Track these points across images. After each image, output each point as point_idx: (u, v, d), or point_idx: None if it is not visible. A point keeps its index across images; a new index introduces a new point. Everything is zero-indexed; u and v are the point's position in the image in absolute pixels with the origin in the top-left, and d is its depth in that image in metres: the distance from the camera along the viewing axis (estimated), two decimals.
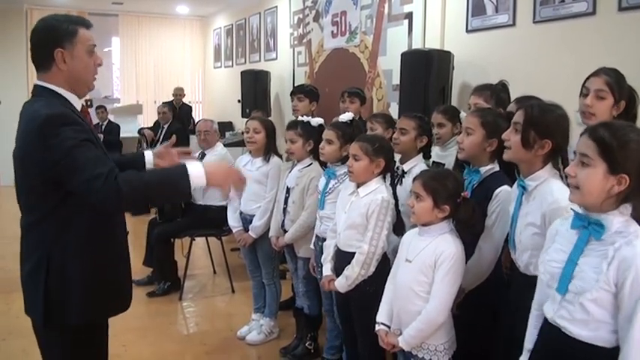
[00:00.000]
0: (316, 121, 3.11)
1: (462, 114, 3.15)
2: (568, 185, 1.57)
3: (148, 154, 2.11)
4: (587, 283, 1.47)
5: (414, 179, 2.15)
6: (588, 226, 1.50)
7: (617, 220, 1.46)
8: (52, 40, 1.75)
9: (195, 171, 1.73)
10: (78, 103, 1.86)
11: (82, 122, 1.77)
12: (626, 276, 1.40)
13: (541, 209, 1.83)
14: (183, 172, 1.72)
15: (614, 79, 2.19)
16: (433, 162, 2.90)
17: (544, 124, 1.85)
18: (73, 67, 1.78)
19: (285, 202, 3.21)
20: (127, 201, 1.68)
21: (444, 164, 2.85)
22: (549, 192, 1.82)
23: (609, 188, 1.45)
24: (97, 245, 1.81)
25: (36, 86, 1.81)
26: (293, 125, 3.15)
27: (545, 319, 1.63)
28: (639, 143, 1.45)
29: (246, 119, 4.13)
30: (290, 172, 3.23)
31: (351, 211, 2.48)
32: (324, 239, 2.78)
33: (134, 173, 1.78)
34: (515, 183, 1.99)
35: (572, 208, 1.57)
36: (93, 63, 1.84)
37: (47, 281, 1.75)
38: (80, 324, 1.80)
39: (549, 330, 1.61)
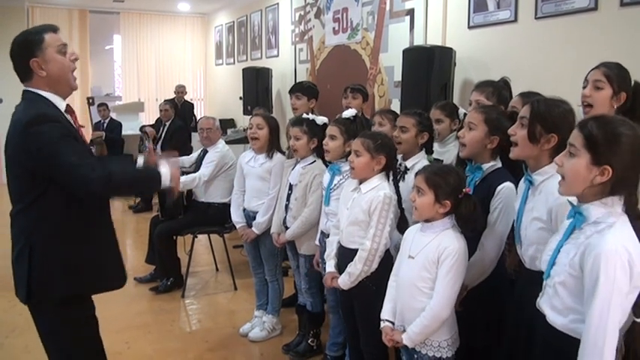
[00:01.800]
0: (321, 119, 3.10)
1: (461, 110, 3.15)
2: None
3: (140, 159, 2.33)
4: (560, 267, 1.56)
5: (417, 174, 2.15)
6: (574, 216, 1.57)
7: (597, 210, 1.52)
8: (25, 53, 1.94)
9: (165, 172, 2.05)
10: (62, 104, 2.03)
11: (63, 120, 1.96)
12: (587, 260, 1.46)
13: (547, 204, 1.84)
14: (157, 172, 2.05)
15: (614, 71, 2.25)
16: (434, 158, 2.89)
17: (550, 119, 1.86)
18: (49, 70, 1.96)
19: (288, 199, 3.20)
20: (114, 188, 1.96)
21: (442, 160, 2.85)
22: (556, 187, 1.82)
23: (592, 178, 1.51)
24: (76, 230, 1.98)
25: (24, 91, 2.01)
26: (298, 122, 3.13)
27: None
28: (628, 137, 1.49)
29: (248, 116, 4.13)
30: (293, 169, 3.23)
31: (353, 208, 2.47)
32: (329, 235, 2.78)
33: (121, 167, 2.09)
34: (522, 178, 1.99)
35: (568, 200, 1.62)
36: (68, 60, 2.01)
37: (30, 262, 1.93)
38: (64, 296, 1.97)
39: (538, 318, 1.67)
